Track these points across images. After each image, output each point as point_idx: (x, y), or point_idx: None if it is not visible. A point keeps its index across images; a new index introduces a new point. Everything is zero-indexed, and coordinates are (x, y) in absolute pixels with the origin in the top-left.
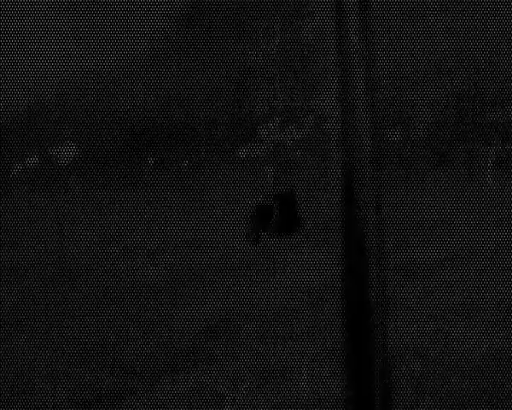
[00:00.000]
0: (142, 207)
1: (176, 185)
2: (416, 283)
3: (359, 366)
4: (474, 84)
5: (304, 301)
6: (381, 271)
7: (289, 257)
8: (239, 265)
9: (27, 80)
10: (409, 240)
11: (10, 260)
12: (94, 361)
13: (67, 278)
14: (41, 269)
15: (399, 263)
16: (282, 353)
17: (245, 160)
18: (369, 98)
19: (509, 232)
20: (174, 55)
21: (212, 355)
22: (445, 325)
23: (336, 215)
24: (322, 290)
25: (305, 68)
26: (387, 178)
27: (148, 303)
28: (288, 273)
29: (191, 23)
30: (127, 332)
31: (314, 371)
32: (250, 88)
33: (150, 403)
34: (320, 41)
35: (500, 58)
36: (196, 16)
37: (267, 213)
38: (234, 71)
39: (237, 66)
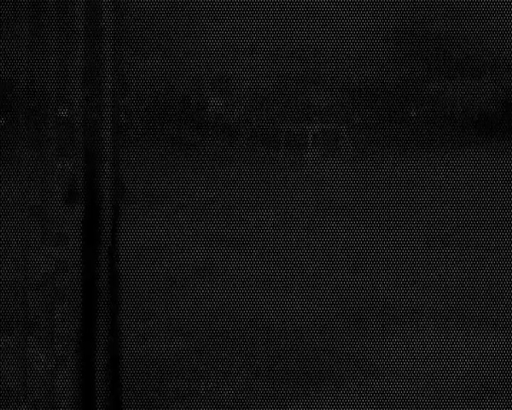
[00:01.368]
0: None
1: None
2: (249, 251)
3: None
4: (296, 64)
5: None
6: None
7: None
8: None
9: None
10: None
11: None
12: None
13: None
14: None
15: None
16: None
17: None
18: (114, 89)
19: (324, 210)
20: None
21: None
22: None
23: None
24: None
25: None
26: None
27: None
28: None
29: None
30: None
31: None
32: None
33: None
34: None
35: (325, 40)
36: None
37: None
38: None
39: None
